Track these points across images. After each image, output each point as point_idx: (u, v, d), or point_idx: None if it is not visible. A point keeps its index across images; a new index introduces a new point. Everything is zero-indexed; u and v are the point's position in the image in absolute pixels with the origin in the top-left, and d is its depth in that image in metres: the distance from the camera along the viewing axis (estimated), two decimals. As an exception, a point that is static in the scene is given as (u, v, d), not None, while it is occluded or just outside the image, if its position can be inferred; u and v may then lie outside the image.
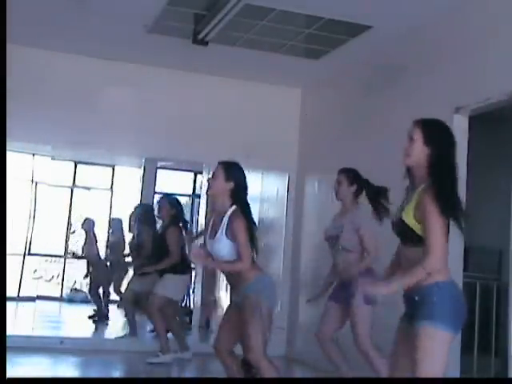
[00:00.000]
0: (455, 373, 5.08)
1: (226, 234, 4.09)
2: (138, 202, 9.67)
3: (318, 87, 7.85)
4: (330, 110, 7.63)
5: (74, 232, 11.39)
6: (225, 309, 4.44)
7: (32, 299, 9.87)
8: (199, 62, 7.32)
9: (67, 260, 11.12)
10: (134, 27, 6.49)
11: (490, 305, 6.23)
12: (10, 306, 8.86)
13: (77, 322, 9.58)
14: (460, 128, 5.32)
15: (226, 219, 4.11)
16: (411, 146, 3.24)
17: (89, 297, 9.95)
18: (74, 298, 11.05)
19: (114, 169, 11.52)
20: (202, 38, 6.36)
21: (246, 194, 4.23)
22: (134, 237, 8.45)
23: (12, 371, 4.83)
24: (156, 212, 7.49)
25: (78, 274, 10.66)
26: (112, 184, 11.90)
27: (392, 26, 5.92)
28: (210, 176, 4.29)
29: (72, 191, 12.17)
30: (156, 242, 7.13)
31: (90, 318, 9.50)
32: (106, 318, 9.63)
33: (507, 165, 6.37)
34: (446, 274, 3.12)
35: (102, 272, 9.85)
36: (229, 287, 6.14)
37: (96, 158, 11.41)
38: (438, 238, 3.03)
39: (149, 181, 10.25)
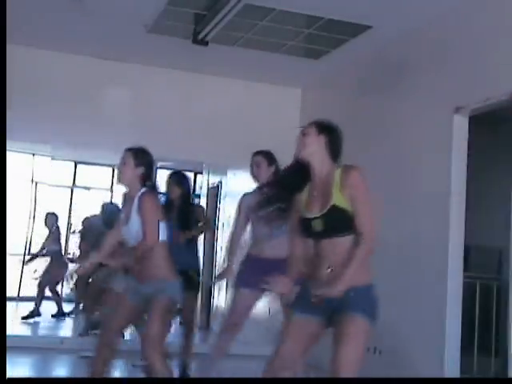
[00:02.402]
0: (455, 373, 5.08)
1: (137, 213, 4.07)
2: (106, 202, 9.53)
3: (318, 87, 7.86)
4: (329, 110, 7.62)
5: (74, 232, 11.38)
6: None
7: (32, 299, 9.88)
8: (199, 62, 7.32)
9: (67, 260, 11.11)
10: (133, 27, 6.49)
11: (490, 305, 6.24)
12: (10, 306, 8.89)
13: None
14: (460, 128, 5.33)
15: (136, 200, 4.12)
16: (305, 139, 3.36)
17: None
18: (73, 297, 11.01)
19: (113, 169, 11.52)
20: (202, 37, 6.37)
21: (154, 177, 4.27)
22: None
23: (12, 371, 4.83)
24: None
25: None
26: (112, 184, 11.91)
27: (392, 25, 5.92)
28: (119, 163, 4.24)
29: (72, 191, 12.18)
30: None
31: (24, 318, 9.18)
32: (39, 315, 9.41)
33: (507, 165, 6.37)
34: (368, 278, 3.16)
35: (60, 269, 9.73)
36: None
37: (96, 158, 11.42)
38: (371, 214, 3.10)
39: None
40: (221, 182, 9.55)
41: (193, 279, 5.71)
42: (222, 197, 9.20)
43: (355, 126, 6.87)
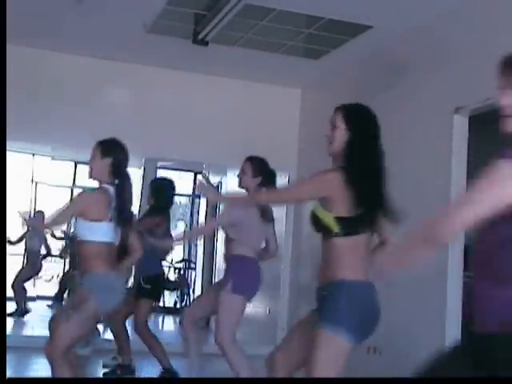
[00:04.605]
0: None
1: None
2: None
3: (318, 87, 7.85)
4: (329, 110, 7.61)
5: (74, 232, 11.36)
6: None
7: (32, 299, 9.88)
8: (199, 62, 7.32)
9: (67, 260, 11.11)
10: (133, 27, 6.49)
11: (490, 305, 6.23)
12: (10, 306, 8.89)
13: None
14: (460, 128, 5.33)
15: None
16: (334, 133, 3.20)
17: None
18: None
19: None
20: (202, 37, 6.37)
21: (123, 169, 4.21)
22: None
23: (12, 371, 4.83)
24: None
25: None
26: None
27: (392, 26, 5.92)
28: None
29: (72, 191, 12.18)
30: None
31: (10, 315, 9.13)
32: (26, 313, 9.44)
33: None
34: (359, 273, 2.96)
35: (35, 268, 9.68)
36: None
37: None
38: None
39: (149, 181, 10.24)
40: (221, 182, 9.56)
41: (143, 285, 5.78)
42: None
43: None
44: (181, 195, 12.58)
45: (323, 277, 3.08)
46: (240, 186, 4.95)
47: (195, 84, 7.78)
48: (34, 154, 11.41)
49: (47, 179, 11.60)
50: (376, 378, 4.69)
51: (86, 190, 4.21)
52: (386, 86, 6.31)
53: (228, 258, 4.89)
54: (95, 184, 4.19)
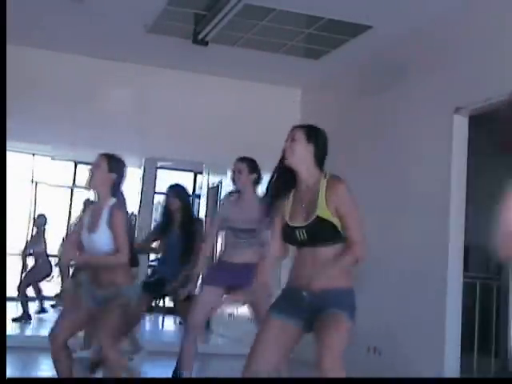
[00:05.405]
0: (455, 373, 5.09)
1: (107, 225, 4.03)
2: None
3: (318, 87, 7.85)
4: (329, 110, 7.63)
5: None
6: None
7: (32, 299, 9.86)
8: (199, 62, 7.32)
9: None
10: (134, 27, 6.49)
11: (490, 305, 6.23)
12: (9, 306, 8.89)
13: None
14: (460, 128, 5.34)
15: (107, 211, 4.05)
16: (294, 145, 3.32)
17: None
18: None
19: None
20: (202, 38, 6.37)
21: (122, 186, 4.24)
22: None
23: (12, 371, 4.83)
24: None
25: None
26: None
27: (392, 26, 5.92)
28: (92, 167, 4.17)
29: (72, 191, 12.18)
30: None
31: (14, 320, 9.04)
32: (30, 317, 9.30)
33: (507, 165, 6.37)
34: (349, 283, 3.14)
35: (44, 270, 9.66)
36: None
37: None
38: (361, 225, 3.07)
39: (149, 181, 10.26)
40: (221, 182, 9.55)
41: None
42: (221, 197, 9.20)
43: (355, 126, 6.88)
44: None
45: (316, 284, 3.11)
46: (237, 186, 4.98)
47: (195, 84, 7.78)
48: (34, 154, 11.42)
49: (47, 179, 11.60)
50: (376, 377, 4.69)
51: (117, 206, 4.19)
52: (385, 85, 6.31)
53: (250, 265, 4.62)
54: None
